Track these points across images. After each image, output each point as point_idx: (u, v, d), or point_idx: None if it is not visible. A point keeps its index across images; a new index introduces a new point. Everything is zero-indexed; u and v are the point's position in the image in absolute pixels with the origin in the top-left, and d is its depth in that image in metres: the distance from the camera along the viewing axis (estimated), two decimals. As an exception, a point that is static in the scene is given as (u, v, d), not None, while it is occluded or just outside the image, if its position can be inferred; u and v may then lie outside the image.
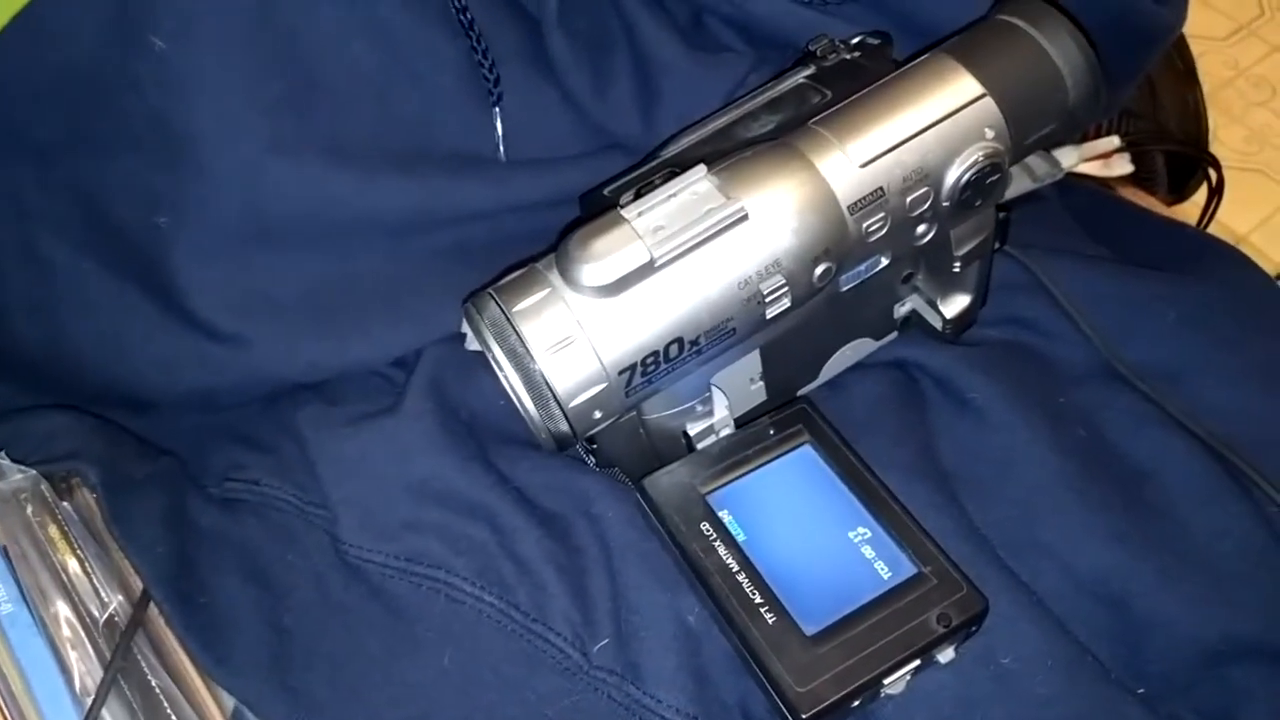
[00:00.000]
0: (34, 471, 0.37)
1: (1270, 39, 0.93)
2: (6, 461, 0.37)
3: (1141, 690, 0.32)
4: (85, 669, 0.33)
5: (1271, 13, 0.96)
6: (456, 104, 0.40)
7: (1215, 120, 0.68)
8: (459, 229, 0.40)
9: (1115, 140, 0.56)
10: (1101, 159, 0.57)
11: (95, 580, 0.35)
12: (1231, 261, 0.46)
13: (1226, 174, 0.63)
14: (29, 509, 0.36)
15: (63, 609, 0.34)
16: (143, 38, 0.36)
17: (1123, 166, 0.57)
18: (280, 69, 0.38)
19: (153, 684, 0.33)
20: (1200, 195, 0.64)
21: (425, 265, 0.40)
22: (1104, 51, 0.36)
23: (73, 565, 0.35)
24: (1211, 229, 0.63)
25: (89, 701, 0.32)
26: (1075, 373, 0.39)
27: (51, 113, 0.39)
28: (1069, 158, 0.44)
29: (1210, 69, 0.86)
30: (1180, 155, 0.63)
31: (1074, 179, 0.52)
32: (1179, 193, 0.65)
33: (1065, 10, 0.35)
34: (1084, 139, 0.55)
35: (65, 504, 0.37)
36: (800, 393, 0.39)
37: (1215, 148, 0.66)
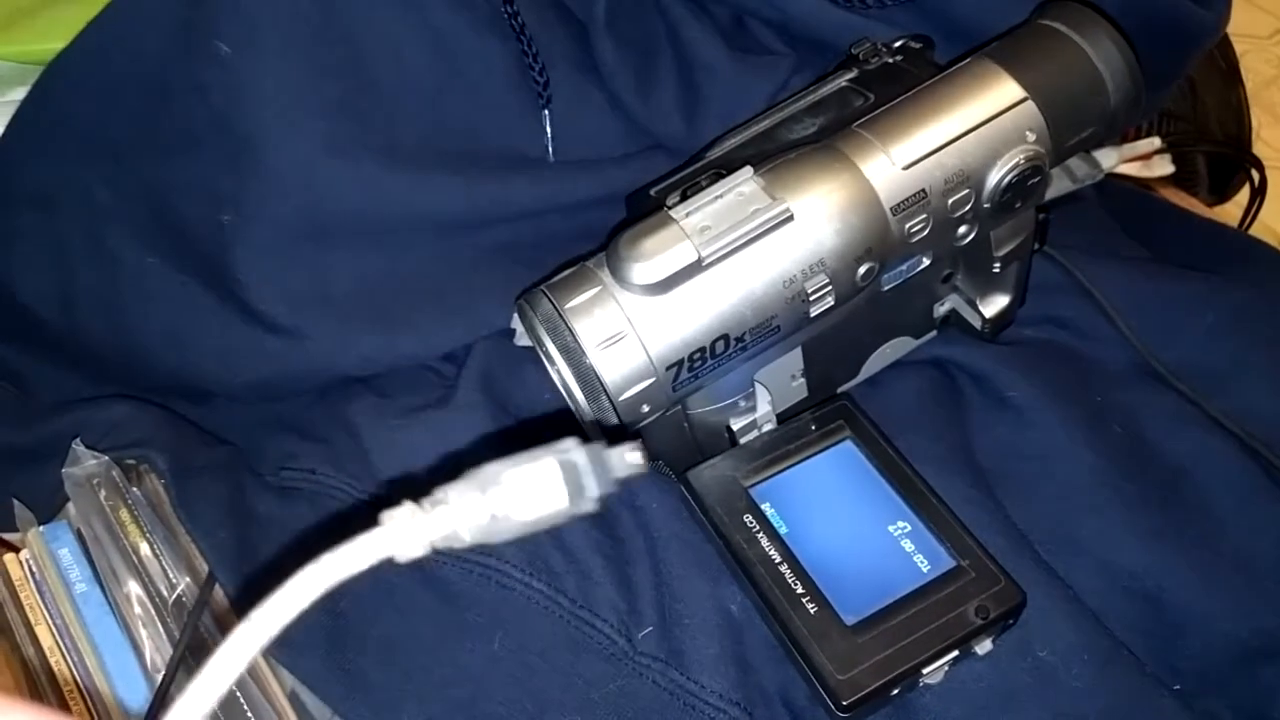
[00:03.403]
0: (106, 458, 0.38)
1: (1315, 37, 0.91)
2: (81, 448, 0.38)
3: (1177, 686, 0.33)
4: (155, 646, 0.35)
5: (1317, 11, 0.94)
6: (507, 106, 0.41)
7: (1259, 120, 0.67)
8: (507, 228, 0.41)
9: (1156, 141, 0.56)
10: (1142, 160, 0.56)
11: (164, 562, 0.36)
12: (1272, 264, 0.45)
13: (1270, 175, 0.62)
14: (102, 493, 0.37)
15: (134, 589, 0.36)
16: (208, 44, 0.38)
17: (1163, 167, 0.57)
18: (337, 74, 0.39)
19: (218, 661, 0.34)
20: (1242, 196, 0.64)
21: (474, 263, 0.41)
22: (1145, 53, 0.36)
23: (143, 548, 0.36)
24: (1254, 230, 0.62)
25: (158, 677, 0.34)
26: (1113, 372, 0.39)
27: (120, 115, 0.40)
28: (1109, 159, 0.44)
29: (1254, 67, 0.85)
30: (1222, 156, 0.63)
31: (1114, 180, 0.52)
32: (1220, 194, 0.64)
33: (1106, 14, 0.36)
34: (1124, 140, 0.55)
35: (135, 489, 0.38)
36: (840, 390, 0.39)
37: (1258, 148, 0.65)
